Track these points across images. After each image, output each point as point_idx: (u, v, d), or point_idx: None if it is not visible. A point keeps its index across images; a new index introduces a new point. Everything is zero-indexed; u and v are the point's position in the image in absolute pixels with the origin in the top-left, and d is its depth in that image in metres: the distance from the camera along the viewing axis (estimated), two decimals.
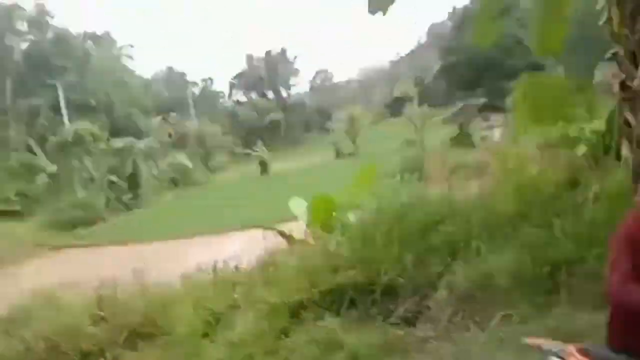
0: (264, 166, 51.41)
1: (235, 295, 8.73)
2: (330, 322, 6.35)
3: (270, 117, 69.25)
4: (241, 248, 10.64)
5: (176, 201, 42.10)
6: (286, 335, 6.71)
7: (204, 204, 38.06)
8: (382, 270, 6.61)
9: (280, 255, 10.06)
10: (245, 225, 27.50)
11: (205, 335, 8.04)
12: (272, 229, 11.76)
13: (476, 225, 6.35)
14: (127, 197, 39.97)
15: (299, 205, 12.50)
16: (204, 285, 10.00)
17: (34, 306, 11.98)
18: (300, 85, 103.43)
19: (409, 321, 6.00)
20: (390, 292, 6.48)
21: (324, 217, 10.61)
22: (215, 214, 32.80)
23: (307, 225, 11.13)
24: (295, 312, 7.15)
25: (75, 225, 34.95)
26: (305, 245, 9.65)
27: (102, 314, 10.00)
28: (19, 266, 27.28)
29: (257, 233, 10.60)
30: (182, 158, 50.87)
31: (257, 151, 53.37)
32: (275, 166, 51.33)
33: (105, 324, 9.66)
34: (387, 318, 6.15)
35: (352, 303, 6.68)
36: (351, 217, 8.61)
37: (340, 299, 6.79)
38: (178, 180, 48.96)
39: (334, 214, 10.25)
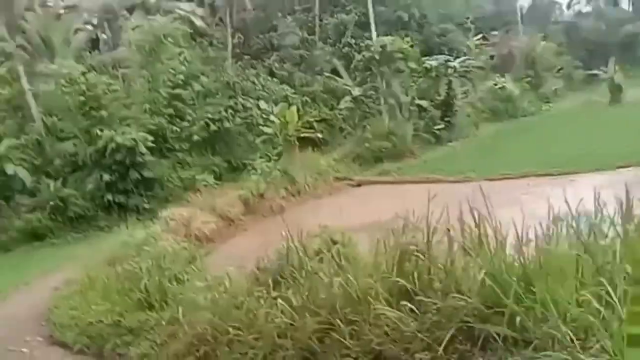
0: (616, 92, 46.05)
1: None
2: None
3: (626, 30, 62.66)
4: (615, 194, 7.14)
5: (499, 135, 39.33)
6: None
7: (535, 139, 35.40)
8: None
9: None
10: (604, 166, 23.67)
11: None
12: None
13: None
14: (437, 127, 38.26)
15: None
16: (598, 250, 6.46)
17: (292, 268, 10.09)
18: None
19: None
20: None
21: None
22: (550, 152, 29.96)
23: None
24: None
25: (380, 158, 34.90)
26: None
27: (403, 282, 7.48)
28: (318, 203, 27.66)
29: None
30: (506, 82, 47.19)
31: (606, 72, 48.02)
32: (632, 93, 45.23)
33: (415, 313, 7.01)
34: None
35: None
36: None
37: None
38: (500, 109, 45.70)
39: None
